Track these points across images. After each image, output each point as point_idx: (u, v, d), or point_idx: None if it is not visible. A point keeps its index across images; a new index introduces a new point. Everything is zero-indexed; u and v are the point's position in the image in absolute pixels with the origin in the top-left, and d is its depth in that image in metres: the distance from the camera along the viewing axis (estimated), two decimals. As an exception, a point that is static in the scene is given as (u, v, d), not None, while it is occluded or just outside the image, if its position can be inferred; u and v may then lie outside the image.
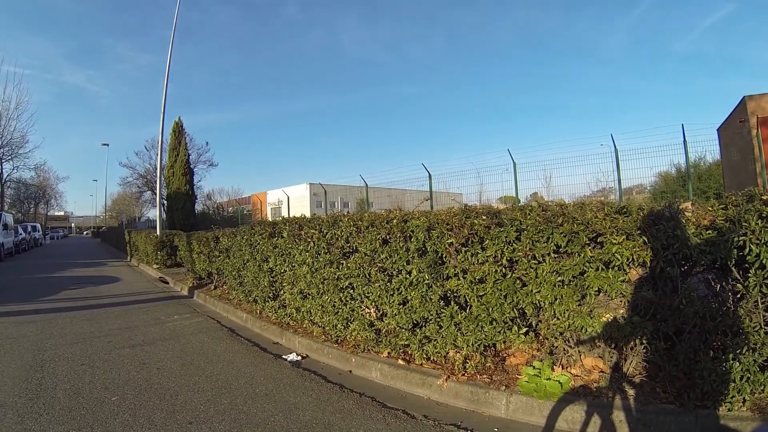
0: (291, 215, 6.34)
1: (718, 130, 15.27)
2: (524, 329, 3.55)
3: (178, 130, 25.02)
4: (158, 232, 15.57)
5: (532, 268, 3.35)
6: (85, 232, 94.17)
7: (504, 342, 3.65)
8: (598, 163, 14.26)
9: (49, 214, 71.00)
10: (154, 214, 19.92)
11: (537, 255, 3.32)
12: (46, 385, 3.93)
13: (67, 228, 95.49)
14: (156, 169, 19.30)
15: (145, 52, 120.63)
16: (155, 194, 21.53)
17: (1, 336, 5.72)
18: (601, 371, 3.33)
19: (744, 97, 13.08)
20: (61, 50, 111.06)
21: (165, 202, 24.57)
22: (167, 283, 11.60)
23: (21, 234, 27.18)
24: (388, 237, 4.13)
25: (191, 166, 25.40)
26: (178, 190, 23.84)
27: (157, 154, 17.70)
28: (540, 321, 3.54)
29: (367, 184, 18.35)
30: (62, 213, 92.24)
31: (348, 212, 5.82)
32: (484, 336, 3.61)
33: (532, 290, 3.36)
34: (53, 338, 5.64)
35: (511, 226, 3.43)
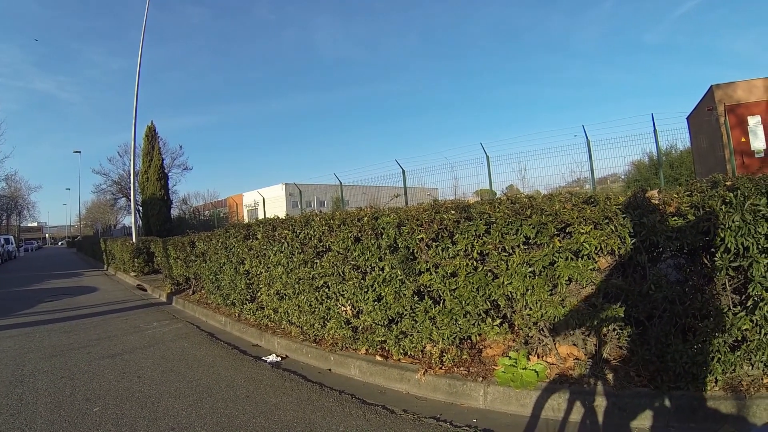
0: (267, 216, 6.29)
1: (687, 118, 15.62)
2: (498, 321, 3.57)
3: (152, 135, 24.57)
4: (134, 239, 15.28)
5: (503, 260, 3.37)
6: (60, 243, 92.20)
7: (479, 334, 3.67)
8: (572, 153, 14.54)
9: (22, 225, 69.26)
10: (130, 220, 19.57)
11: (507, 247, 3.35)
12: (27, 400, 3.84)
13: (42, 239, 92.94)
14: (130, 175, 18.92)
15: (116, 56, 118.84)
16: (130, 201, 21.13)
17: (-23, 353, 5.54)
18: (576, 358, 3.38)
19: (711, 86, 13.35)
20: (30, 57, 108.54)
21: (140, 208, 24.21)
22: (145, 290, 11.40)
23: (-7, 247, 26.54)
24: (359, 235, 4.13)
25: (166, 171, 25.03)
26: (153, 196, 23.44)
27: (131, 160, 17.34)
28: (513, 312, 3.56)
29: (341, 183, 18.27)
30: (36, 224, 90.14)
31: (322, 211, 5.80)
32: (458, 329, 3.64)
33: (503, 282, 3.38)
34: (32, 352, 5.50)
35: (480, 220, 3.45)
